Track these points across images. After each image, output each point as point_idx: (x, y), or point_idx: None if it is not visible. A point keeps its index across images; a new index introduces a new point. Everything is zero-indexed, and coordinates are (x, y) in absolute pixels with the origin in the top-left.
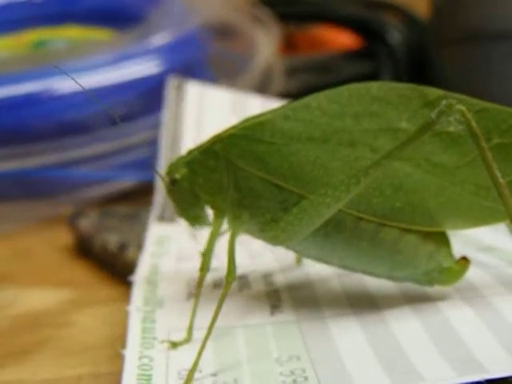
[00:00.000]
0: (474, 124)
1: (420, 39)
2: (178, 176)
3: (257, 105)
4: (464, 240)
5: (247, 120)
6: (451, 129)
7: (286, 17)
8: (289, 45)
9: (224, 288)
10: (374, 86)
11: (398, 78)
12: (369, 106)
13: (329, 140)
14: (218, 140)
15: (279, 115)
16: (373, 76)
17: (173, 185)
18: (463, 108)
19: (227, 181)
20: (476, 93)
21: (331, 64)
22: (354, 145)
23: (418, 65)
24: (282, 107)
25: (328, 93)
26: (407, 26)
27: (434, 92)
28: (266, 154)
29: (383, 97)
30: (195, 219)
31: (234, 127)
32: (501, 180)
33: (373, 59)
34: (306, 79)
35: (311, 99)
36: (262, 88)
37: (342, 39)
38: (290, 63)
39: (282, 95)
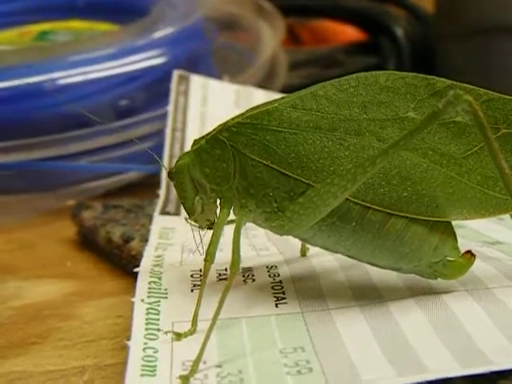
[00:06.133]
0: (481, 114)
1: (424, 33)
2: (173, 169)
3: (260, 98)
4: (468, 233)
5: (254, 109)
6: (458, 119)
7: (290, 10)
8: (293, 38)
9: (228, 278)
10: (382, 76)
11: (401, 71)
12: (376, 96)
13: (336, 129)
14: (225, 128)
15: (286, 104)
16: (377, 69)
17: (170, 178)
18: (470, 98)
19: (233, 169)
20: (478, 85)
21: (335, 57)
22: (361, 134)
23: (422, 58)
24: (289, 96)
25: (335, 82)
26: (411, 20)
27: (441, 82)
28: (273, 142)
29: (391, 86)
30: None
31: (240, 116)
32: (507, 171)
33: (377, 53)
34: (310, 73)
35: (318, 88)
36: (266, 81)
37: (347, 33)
38: (293, 57)
39: (286, 89)
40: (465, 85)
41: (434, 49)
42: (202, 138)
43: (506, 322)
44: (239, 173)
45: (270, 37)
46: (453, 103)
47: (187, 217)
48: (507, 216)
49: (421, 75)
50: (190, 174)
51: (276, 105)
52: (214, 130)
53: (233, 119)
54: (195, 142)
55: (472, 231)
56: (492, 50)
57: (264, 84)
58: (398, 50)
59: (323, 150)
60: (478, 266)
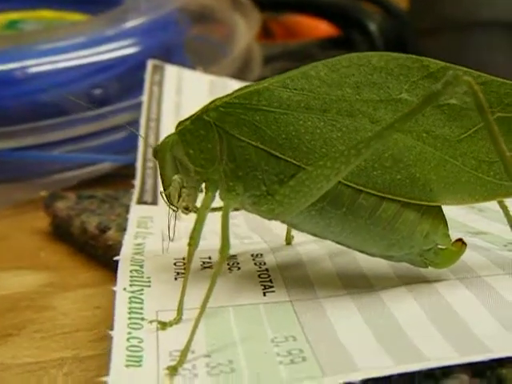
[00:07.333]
0: (481, 95)
1: (398, 28)
2: (158, 146)
3: (235, 88)
4: (455, 225)
5: (242, 89)
6: (453, 101)
7: (264, 5)
8: (266, 32)
9: (217, 264)
10: (375, 56)
11: None
12: (369, 76)
13: (328, 110)
14: (211, 109)
15: (277, 84)
16: None
17: (154, 155)
18: (470, 79)
19: (220, 151)
20: None
21: (308, 52)
22: (353, 115)
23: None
24: (280, 76)
25: (327, 62)
26: (385, 15)
27: (435, 63)
28: (263, 123)
29: (383, 67)
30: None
31: (228, 96)
32: (507, 153)
33: (350, 47)
34: (283, 67)
35: (310, 68)
36: (240, 74)
37: (320, 27)
38: (267, 51)
39: None
40: (459, 67)
41: (408, 44)
42: (187, 119)
43: (501, 309)
44: (226, 154)
45: (244, 29)
46: (452, 83)
47: (165, 199)
48: (487, 207)
49: (414, 56)
50: (173, 153)
51: (266, 84)
52: (199, 110)
53: (220, 99)
54: (180, 123)
55: (453, 222)
56: (466, 46)
57: (238, 77)
58: (371, 44)
59: (315, 131)
60: (467, 255)
